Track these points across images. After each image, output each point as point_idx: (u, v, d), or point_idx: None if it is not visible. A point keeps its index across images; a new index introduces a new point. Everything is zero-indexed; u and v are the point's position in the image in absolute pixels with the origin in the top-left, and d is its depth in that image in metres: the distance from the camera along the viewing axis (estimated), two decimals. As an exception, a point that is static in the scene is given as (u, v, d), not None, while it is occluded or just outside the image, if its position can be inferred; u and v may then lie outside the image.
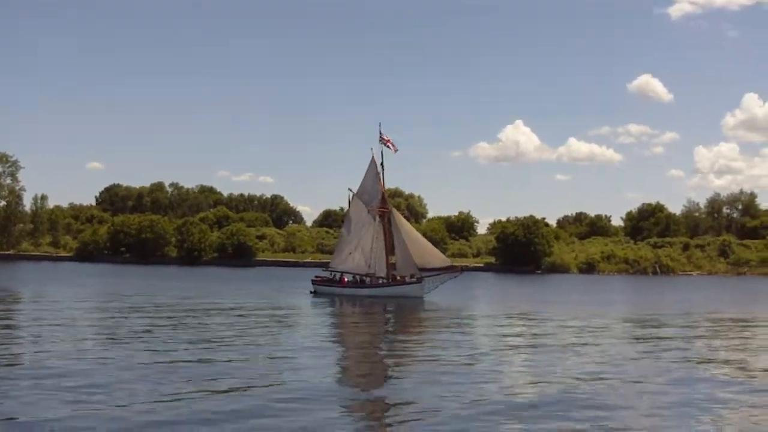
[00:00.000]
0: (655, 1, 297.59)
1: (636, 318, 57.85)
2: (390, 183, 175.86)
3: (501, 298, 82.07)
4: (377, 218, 76.01)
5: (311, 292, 77.40)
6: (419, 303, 68.85)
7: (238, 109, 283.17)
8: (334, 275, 78.78)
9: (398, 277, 75.14)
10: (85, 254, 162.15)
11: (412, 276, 74.10)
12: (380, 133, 75.97)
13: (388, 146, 76.09)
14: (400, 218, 76.33)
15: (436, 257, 76.29)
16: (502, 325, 49.91)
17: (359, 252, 76.42)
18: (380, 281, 75.96)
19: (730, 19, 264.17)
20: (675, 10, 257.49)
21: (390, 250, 76.26)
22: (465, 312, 61.57)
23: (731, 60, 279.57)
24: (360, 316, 59.15)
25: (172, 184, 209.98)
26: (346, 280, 77.88)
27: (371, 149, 77.18)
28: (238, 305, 60.29)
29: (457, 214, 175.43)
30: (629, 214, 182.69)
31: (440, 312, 60.75)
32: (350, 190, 78.45)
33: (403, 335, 45.49)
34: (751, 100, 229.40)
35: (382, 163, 76.62)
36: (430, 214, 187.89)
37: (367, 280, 76.38)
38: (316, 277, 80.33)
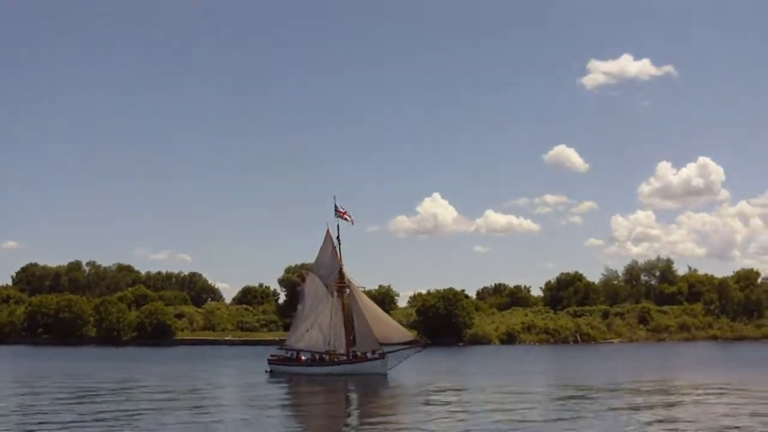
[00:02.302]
0: (569, 71, 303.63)
1: (562, 387, 58.76)
2: (310, 257, 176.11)
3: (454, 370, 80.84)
4: (335, 293, 74.45)
5: (267, 372, 75.13)
6: (382, 380, 67.20)
7: (154, 187, 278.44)
8: (291, 353, 76.62)
9: (359, 354, 73.29)
10: (2, 336, 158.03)
11: (373, 352, 72.32)
12: (335, 206, 74.94)
13: (345, 219, 74.96)
14: (359, 293, 74.92)
15: (398, 332, 74.73)
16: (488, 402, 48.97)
17: (316, 329, 74.79)
18: (340, 358, 74.06)
19: (641, 88, 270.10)
20: (589, 80, 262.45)
21: (349, 325, 74.74)
22: (431, 388, 59.81)
23: (644, 129, 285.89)
24: (321, 397, 57.50)
25: (89, 263, 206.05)
26: (303, 358, 75.85)
27: (326, 223, 76.23)
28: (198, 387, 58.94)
29: (377, 287, 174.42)
30: (548, 284, 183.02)
31: (405, 390, 59.21)
32: (305, 265, 77.11)
33: (367, 418, 43.93)
34: (664, 168, 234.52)
35: (338, 237, 75.42)
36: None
37: (326, 357, 74.42)
38: (272, 356, 78.17)
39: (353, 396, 59.20)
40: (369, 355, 72.47)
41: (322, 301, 74.81)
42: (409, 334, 75.80)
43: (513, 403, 47.43)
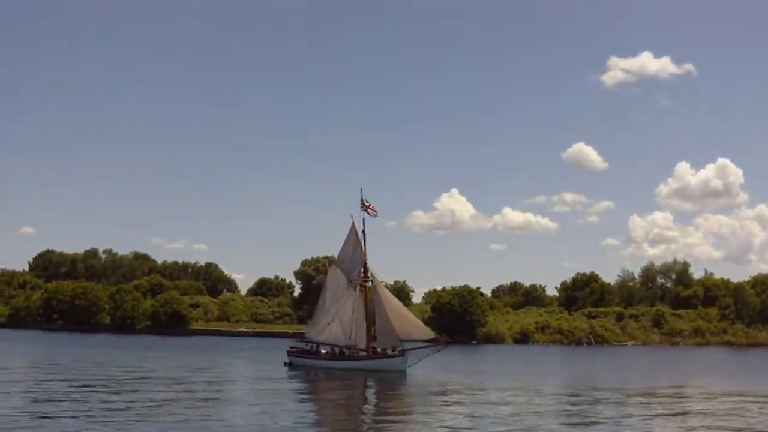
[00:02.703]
0: (589, 68, 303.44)
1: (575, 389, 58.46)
2: (325, 251, 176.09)
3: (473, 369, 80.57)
4: (358, 288, 74.10)
5: (286, 364, 74.91)
6: (401, 377, 66.85)
7: (172, 176, 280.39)
8: (311, 346, 76.36)
9: (379, 350, 72.97)
10: (17, 321, 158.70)
11: (393, 349, 71.89)
12: (362, 199, 74.48)
13: (368, 212, 74.53)
14: (382, 289, 74.45)
15: (419, 329, 74.13)
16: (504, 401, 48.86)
17: (337, 323, 74.38)
18: (360, 353, 73.78)
19: (662, 87, 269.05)
20: (608, 78, 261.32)
21: (371, 321, 74.48)
22: (450, 387, 59.45)
23: (664, 129, 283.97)
24: (339, 391, 57.36)
25: (105, 251, 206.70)
26: (323, 351, 75.62)
27: (351, 216, 75.62)
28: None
29: (392, 283, 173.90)
30: (563, 284, 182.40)
31: (422, 388, 58.82)
32: (327, 257, 76.81)
33: (384, 416, 43.52)
34: (683, 169, 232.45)
35: (363, 231, 74.95)
36: (368, 283, 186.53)
37: (346, 352, 74.16)
38: (291, 347, 77.87)
39: (371, 392, 58.86)
40: (389, 351, 71.95)
41: (344, 295, 74.43)
42: (430, 332, 74.91)
43: (529, 405, 47.46)
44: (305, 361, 74.97)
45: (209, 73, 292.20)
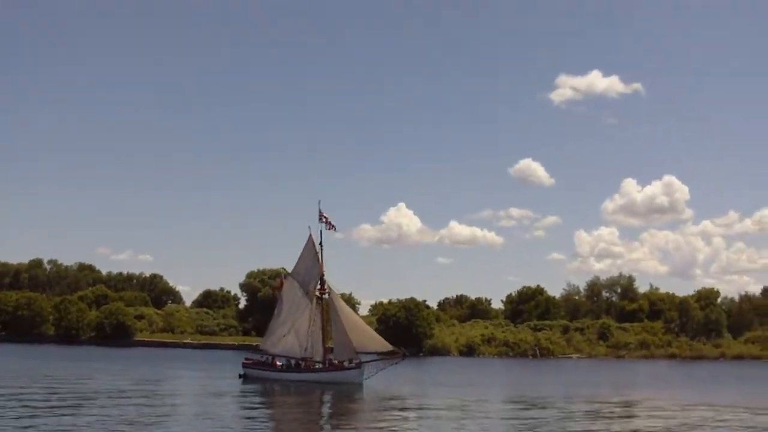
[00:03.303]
0: (538, 86, 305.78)
1: (517, 401, 59.24)
2: (272, 263, 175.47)
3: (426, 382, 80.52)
4: (315, 300, 73.66)
5: (240, 376, 74.17)
6: (358, 390, 66.47)
7: (118, 186, 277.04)
8: (266, 358, 75.68)
9: (336, 362, 72.57)
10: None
11: (350, 361, 71.52)
12: (320, 212, 74.13)
13: (328, 225, 74.28)
14: (339, 301, 74.12)
15: (376, 342, 73.77)
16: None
17: (293, 334, 73.78)
18: (317, 365, 73.33)
19: (609, 106, 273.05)
20: (557, 95, 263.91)
21: (327, 333, 74.09)
22: (409, 399, 59.55)
23: (611, 146, 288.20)
24: (295, 404, 56.95)
25: (50, 261, 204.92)
26: (278, 363, 75.03)
27: (309, 227, 75.14)
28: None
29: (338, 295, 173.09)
30: (509, 297, 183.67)
31: (379, 400, 58.52)
32: (284, 269, 76.38)
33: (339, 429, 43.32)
34: (629, 185, 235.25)
35: (321, 243, 74.54)
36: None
37: (302, 364, 73.65)
38: (247, 359, 77.10)
39: (328, 405, 58.28)
40: (346, 363, 71.60)
41: (300, 307, 73.82)
42: (387, 345, 74.50)
43: (485, 415, 48.12)
44: (261, 373, 74.18)
45: (156, 80, 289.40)
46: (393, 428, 42.00)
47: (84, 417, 40.19)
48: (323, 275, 73.99)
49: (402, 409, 52.48)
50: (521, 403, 57.69)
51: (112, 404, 47.48)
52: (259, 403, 56.28)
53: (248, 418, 44.65)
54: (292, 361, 74.11)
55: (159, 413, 43.82)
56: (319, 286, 73.95)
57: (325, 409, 55.73)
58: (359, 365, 70.70)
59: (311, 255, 74.28)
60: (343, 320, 72.19)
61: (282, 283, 76.39)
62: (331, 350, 73.91)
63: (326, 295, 74.07)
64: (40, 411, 42.38)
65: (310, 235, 74.54)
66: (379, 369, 71.40)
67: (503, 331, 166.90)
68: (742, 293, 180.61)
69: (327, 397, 61.72)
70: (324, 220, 73.91)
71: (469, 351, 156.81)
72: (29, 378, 65.90)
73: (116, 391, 56.53)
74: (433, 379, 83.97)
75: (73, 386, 59.43)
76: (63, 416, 40.44)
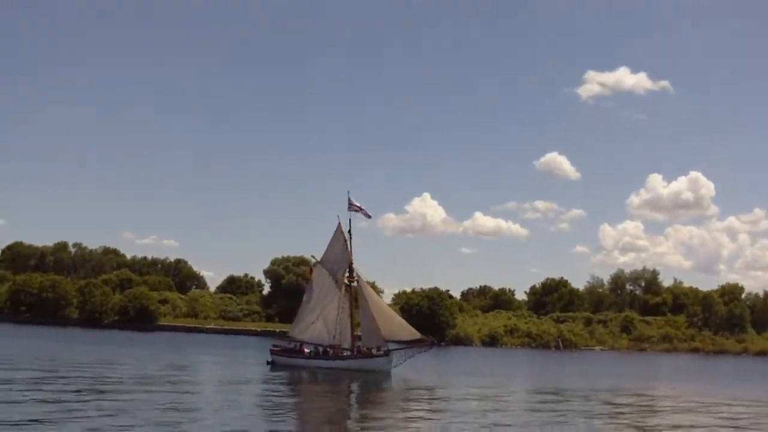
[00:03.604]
0: (565, 80, 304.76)
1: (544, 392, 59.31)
2: (296, 251, 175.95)
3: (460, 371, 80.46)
4: (343, 288, 73.72)
5: (268, 363, 74.27)
6: (386, 378, 66.51)
7: (144, 171, 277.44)
8: (294, 345, 75.78)
9: (364, 350, 72.62)
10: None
11: (378, 348, 71.57)
12: (349, 200, 74.20)
13: (361, 213, 74.41)
14: (367, 289, 74.16)
15: (404, 330, 73.77)
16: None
17: (321, 322, 73.79)
18: (345, 353, 73.38)
19: (637, 102, 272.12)
20: (584, 90, 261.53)
21: (355, 321, 74.17)
22: (438, 389, 59.41)
23: (637, 141, 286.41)
24: (323, 392, 56.84)
25: (75, 245, 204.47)
26: (306, 350, 75.12)
27: (338, 216, 75.25)
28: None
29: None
30: (533, 288, 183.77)
31: (407, 389, 58.67)
32: (313, 257, 76.44)
33: (368, 417, 43.15)
34: (655, 180, 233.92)
35: (350, 231, 74.61)
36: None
37: (330, 351, 73.71)
38: (274, 346, 77.26)
39: (355, 393, 58.31)
40: (374, 351, 71.66)
41: (329, 294, 73.90)
42: (416, 333, 74.38)
43: (509, 405, 48.41)
44: (288, 360, 74.22)
45: (183, 73, 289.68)
46: (421, 417, 41.94)
47: (115, 402, 40.13)
48: (352, 263, 74.04)
49: (430, 399, 52.27)
50: (546, 394, 57.62)
51: (142, 390, 47.44)
52: (287, 391, 56.10)
53: (276, 405, 44.57)
54: (320, 349, 74.15)
55: (189, 400, 43.69)
56: (347, 274, 73.95)
57: (353, 398, 55.79)
58: (387, 353, 70.86)
59: (340, 243, 74.35)
60: (371, 308, 72.28)
61: (312, 271, 76.48)
62: (359, 338, 73.98)
63: (355, 283, 74.09)
64: (69, 396, 42.35)
65: (339, 223, 74.71)
66: (408, 357, 71.50)
67: (526, 323, 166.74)
68: (767, 289, 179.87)
69: (355, 385, 61.74)
70: (356, 208, 74.03)
71: (491, 341, 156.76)
72: (58, 361, 66.01)
73: (145, 377, 56.48)
74: (458, 369, 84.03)
75: (100, 371, 59.45)
76: (90, 401, 40.20)
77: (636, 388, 65.75)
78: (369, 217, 76.00)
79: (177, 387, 51.46)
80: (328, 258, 74.75)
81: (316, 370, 71.38)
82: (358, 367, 70.90)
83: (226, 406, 42.56)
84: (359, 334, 74.40)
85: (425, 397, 53.69)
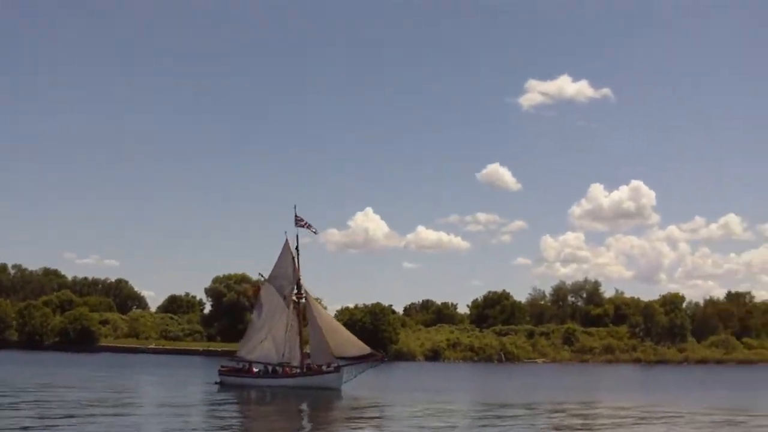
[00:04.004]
0: (506, 90, 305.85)
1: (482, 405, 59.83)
2: (237, 269, 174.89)
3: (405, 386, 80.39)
4: (291, 305, 73.37)
5: (216, 383, 73.64)
6: (337, 394, 66.31)
7: (84, 190, 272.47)
8: (243, 365, 75.23)
9: (314, 367, 72.29)
10: None
11: (328, 365, 71.32)
12: (296, 216, 73.91)
13: (308, 228, 74.14)
14: (316, 305, 74.01)
15: (354, 345, 73.66)
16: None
17: (270, 340, 73.40)
18: (294, 371, 72.98)
19: (578, 110, 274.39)
20: (525, 100, 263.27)
21: (304, 338, 73.84)
22: (389, 404, 59.30)
23: (578, 151, 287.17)
24: (272, 411, 56.66)
25: (15, 266, 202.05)
26: (255, 370, 74.63)
27: (285, 233, 74.90)
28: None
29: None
30: (475, 302, 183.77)
31: (358, 405, 58.61)
32: (261, 275, 75.96)
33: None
34: (596, 190, 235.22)
35: (297, 248, 74.27)
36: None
37: (280, 370, 73.26)
38: (223, 366, 76.60)
39: (305, 410, 58.02)
40: (324, 368, 71.40)
41: (276, 312, 73.46)
42: (366, 348, 74.32)
43: (460, 420, 48.62)
44: (237, 380, 73.69)
45: (114, 82, 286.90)
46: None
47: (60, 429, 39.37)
48: (300, 279, 73.76)
49: (381, 417, 51.89)
50: (493, 407, 57.94)
51: (85, 414, 46.78)
52: (236, 411, 55.80)
53: (226, 426, 44.34)
54: (270, 367, 73.72)
55: (138, 422, 43.05)
56: (296, 291, 73.66)
57: (303, 416, 55.37)
58: (338, 369, 70.57)
59: (288, 260, 74.05)
60: (320, 324, 72.08)
61: (259, 289, 75.94)
62: (308, 355, 73.66)
63: (303, 300, 73.80)
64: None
65: (287, 239, 74.46)
66: (359, 372, 71.43)
67: (468, 336, 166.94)
68: (707, 298, 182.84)
69: (304, 404, 61.37)
70: (303, 224, 73.74)
71: (434, 356, 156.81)
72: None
73: (89, 400, 55.67)
74: (405, 385, 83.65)
75: (43, 395, 58.56)
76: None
77: (578, 399, 66.34)
78: (315, 233, 75.73)
79: (121, 410, 50.79)
80: (276, 275, 74.38)
81: (266, 388, 70.92)
82: (308, 384, 70.57)
83: (177, 429, 41.98)
84: (308, 351, 74.05)
85: (375, 415, 53.48)
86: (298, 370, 72.81)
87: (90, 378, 77.47)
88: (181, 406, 55.32)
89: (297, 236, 74.38)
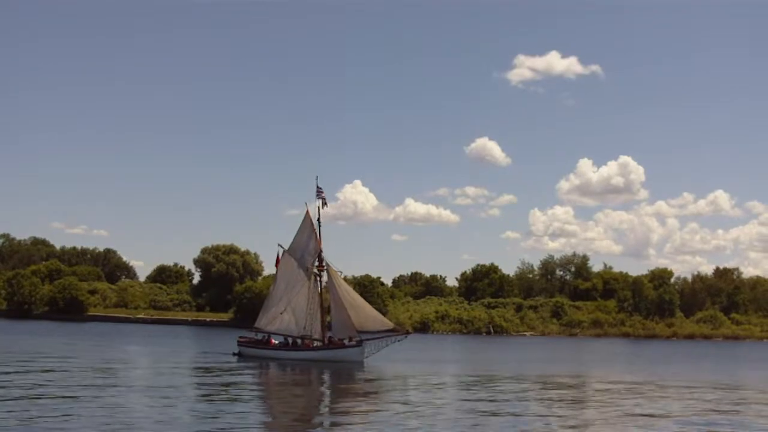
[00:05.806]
0: (495, 65, 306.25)
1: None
2: (225, 239, 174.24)
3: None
4: (312, 277, 72.72)
5: (235, 354, 73.12)
6: (358, 368, 65.64)
7: (73, 160, 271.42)
8: (262, 336, 74.64)
9: (336, 340, 71.80)
10: None
11: (350, 339, 70.85)
12: (317, 187, 73.20)
13: (323, 201, 73.51)
14: (337, 278, 73.08)
15: (376, 320, 72.90)
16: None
17: (290, 312, 72.85)
18: (315, 344, 72.48)
19: (567, 86, 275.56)
20: (514, 75, 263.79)
21: (325, 311, 73.31)
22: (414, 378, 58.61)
23: (567, 126, 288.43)
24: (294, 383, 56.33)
25: (3, 236, 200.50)
26: (274, 341, 74.09)
27: (305, 204, 74.27)
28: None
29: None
30: (463, 275, 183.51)
31: (381, 379, 58.14)
32: (280, 246, 75.06)
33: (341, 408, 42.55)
34: (585, 165, 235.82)
35: (318, 219, 73.55)
36: (266, 272, 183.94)
37: (300, 342, 72.74)
38: (241, 337, 76.00)
39: (327, 384, 57.41)
40: (346, 342, 70.95)
41: (297, 284, 72.81)
42: (388, 323, 73.88)
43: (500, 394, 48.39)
44: (256, 351, 73.19)
45: (113, 57, 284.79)
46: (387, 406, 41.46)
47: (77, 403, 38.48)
48: (321, 252, 73.10)
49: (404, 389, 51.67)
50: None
51: (112, 382, 46.58)
52: (256, 382, 55.42)
53: (246, 397, 44.26)
54: (290, 340, 73.21)
55: (161, 395, 42.51)
56: (317, 263, 73.04)
57: (324, 389, 54.83)
58: (360, 343, 70.09)
59: (308, 231, 73.31)
60: (342, 298, 71.49)
61: (279, 260, 75.13)
62: (330, 328, 73.19)
63: (324, 273, 73.20)
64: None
65: (307, 211, 73.75)
66: (381, 347, 70.83)
67: (457, 309, 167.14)
68: (695, 273, 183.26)
69: (325, 375, 60.97)
70: (322, 195, 73.15)
71: (422, 328, 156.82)
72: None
73: (103, 369, 55.31)
74: (431, 357, 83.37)
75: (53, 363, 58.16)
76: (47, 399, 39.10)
77: (564, 372, 66.79)
78: (326, 205, 74.82)
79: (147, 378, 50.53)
80: (296, 246, 73.66)
81: (286, 361, 70.40)
82: (329, 357, 70.12)
83: (198, 395, 42.24)
84: (329, 324, 73.60)
85: (399, 387, 53.20)
86: (319, 343, 72.27)
87: (96, 348, 77.00)
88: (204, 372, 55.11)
89: (318, 208, 73.72)
